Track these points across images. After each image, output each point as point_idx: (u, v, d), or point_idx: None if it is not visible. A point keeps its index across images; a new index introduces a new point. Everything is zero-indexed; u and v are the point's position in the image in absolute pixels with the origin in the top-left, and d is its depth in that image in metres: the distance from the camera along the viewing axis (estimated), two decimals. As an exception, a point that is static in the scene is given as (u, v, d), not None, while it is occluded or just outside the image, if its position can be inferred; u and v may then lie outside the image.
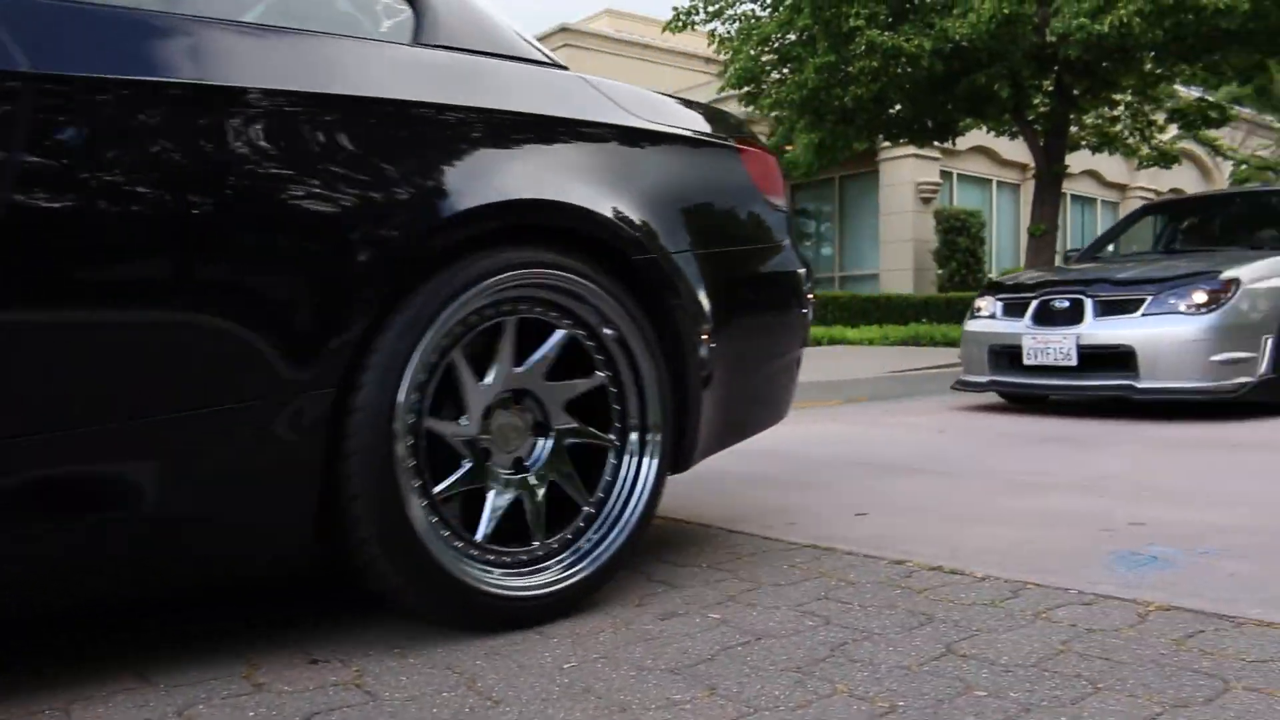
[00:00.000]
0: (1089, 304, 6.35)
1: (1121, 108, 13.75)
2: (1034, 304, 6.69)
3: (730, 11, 12.02)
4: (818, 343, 13.32)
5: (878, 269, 20.65)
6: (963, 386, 7.22)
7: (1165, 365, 5.99)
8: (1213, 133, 15.69)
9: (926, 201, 19.93)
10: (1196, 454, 4.73)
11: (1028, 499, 3.55)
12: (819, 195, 22.35)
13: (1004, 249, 21.90)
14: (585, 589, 2.25)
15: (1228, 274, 6.14)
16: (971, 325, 7.28)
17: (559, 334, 2.25)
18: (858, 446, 5.24)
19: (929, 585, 2.39)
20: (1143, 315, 6.12)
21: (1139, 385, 6.03)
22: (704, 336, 2.49)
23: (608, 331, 2.30)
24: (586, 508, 2.31)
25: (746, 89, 12.16)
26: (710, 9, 12.10)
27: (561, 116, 2.36)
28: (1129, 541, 2.78)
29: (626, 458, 2.39)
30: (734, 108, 17.60)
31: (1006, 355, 6.80)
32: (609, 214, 2.30)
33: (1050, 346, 6.42)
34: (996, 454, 4.83)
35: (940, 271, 19.54)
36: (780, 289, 2.92)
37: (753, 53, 11.50)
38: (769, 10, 11.65)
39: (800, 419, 6.65)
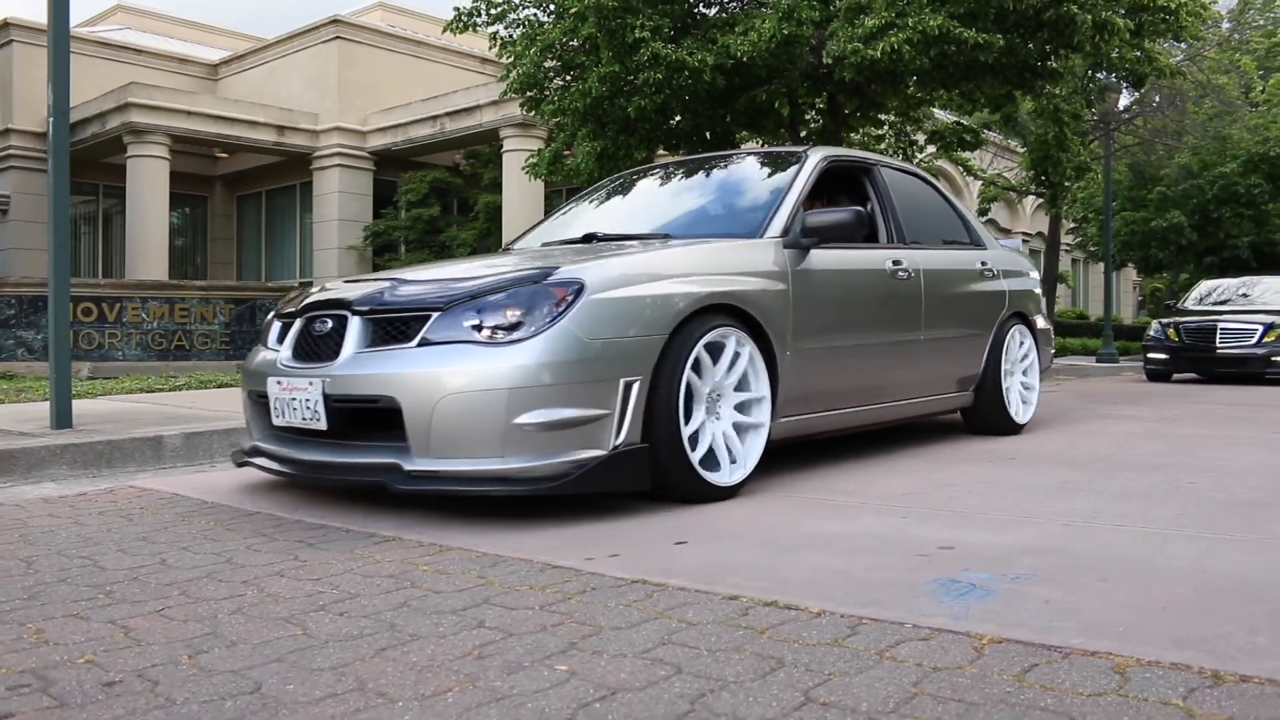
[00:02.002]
0: (354, 325, 3.89)
1: (886, 127, 14.50)
2: (296, 325, 4.22)
3: (513, 15, 11.92)
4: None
5: (653, 274, 20.96)
6: (236, 458, 4.59)
7: (445, 432, 3.54)
8: (965, 154, 16.76)
9: (700, 209, 20.38)
10: (973, 468, 4.99)
11: (836, 522, 3.65)
12: (595, 200, 22.51)
13: (772, 257, 22.65)
14: None
15: (564, 275, 3.76)
16: (250, 359, 4.66)
17: None
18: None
19: (769, 624, 2.39)
20: (419, 345, 3.67)
21: (408, 467, 3.63)
22: None
23: None
24: None
25: (529, 94, 12.08)
26: (493, 11, 11.97)
27: None
28: (945, 568, 2.88)
29: None
30: (515, 111, 17.48)
31: (266, 408, 4.24)
32: None
33: (296, 397, 3.94)
34: (794, 468, 4.95)
35: (713, 278, 19.97)
36: None
37: (536, 59, 11.44)
38: (553, 17, 11.61)
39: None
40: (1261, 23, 29.86)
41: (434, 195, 21.64)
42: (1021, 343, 6.59)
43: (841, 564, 2.99)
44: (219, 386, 9.25)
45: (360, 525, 3.69)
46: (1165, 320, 14.71)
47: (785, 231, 4.73)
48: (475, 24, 12.02)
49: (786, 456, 5.39)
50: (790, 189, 5.00)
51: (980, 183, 21.92)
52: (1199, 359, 13.84)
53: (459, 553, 3.22)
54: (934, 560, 2.99)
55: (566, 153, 13.16)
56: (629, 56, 10.43)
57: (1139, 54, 12.64)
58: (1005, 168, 22.66)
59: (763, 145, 14.20)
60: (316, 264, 22.59)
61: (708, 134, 12.58)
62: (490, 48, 12.63)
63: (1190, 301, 15.88)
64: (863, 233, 4.96)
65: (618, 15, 10.17)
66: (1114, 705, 1.85)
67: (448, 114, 20.75)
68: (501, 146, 19.93)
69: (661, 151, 14.38)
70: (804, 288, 4.69)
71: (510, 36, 12.00)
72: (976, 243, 6.51)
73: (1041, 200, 21.12)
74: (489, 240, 20.79)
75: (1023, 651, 2.15)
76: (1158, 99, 21.04)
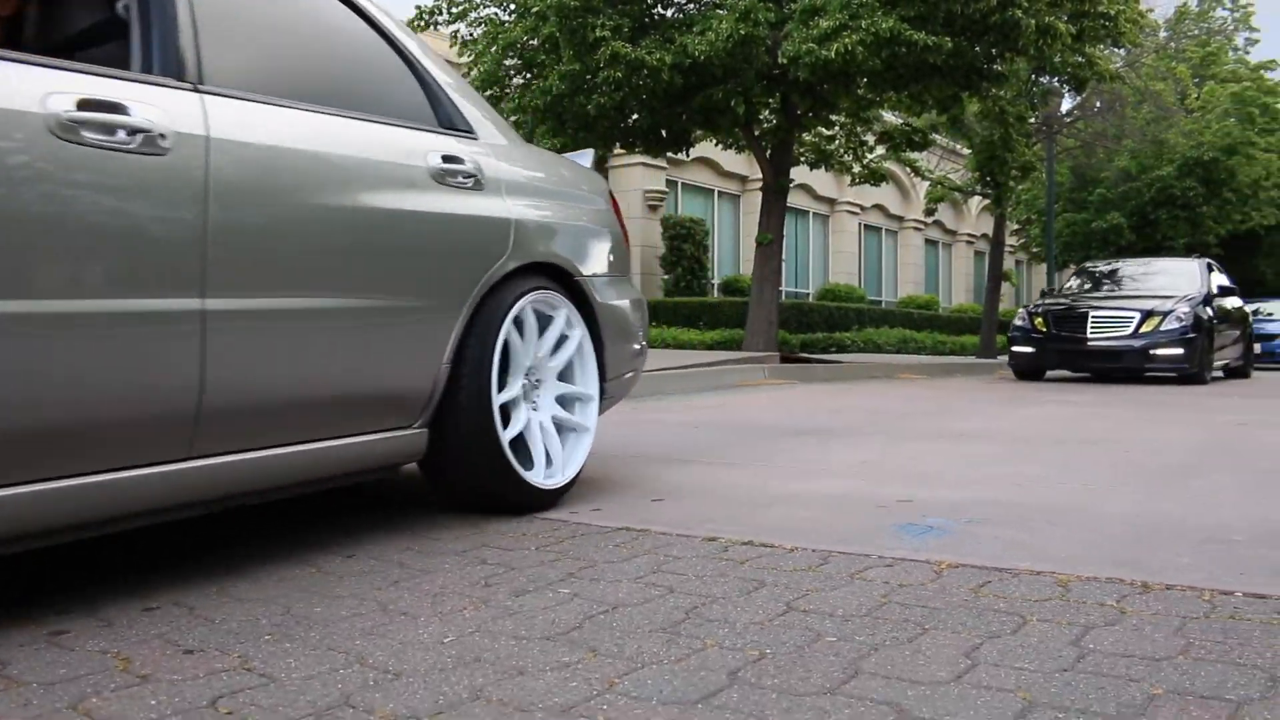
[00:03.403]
0: None
1: (838, 128, 14.86)
2: None
3: (475, 14, 12.12)
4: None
5: (607, 273, 21.17)
6: None
7: None
8: (913, 154, 17.19)
9: (654, 209, 20.65)
10: (926, 444, 5.30)
11: (802, 483, 3.90)
12: (549, 200, 22.67)
13: (725, 256, 23.01)
14: None
15: None
16: None
17: None
18: (623, 440, 5.49)
19: (748, 557, 2.63)
20: None
21: None
22: None
23: None
24: None
25: (490, 92, 12.27)
26: (454, 10, 12.15)
27: None
28: (904, 515, 3.15)
29: None
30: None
31: None
32: None
33: None
34: (756, 446, 5.21)
35: (666, 277, 20.31)
36: None
37: (497, 57, 11.64)
38: (514, 16, 11.82)
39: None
40: (1196, 32, 30.78)
41: (389, 194, 21.67)
42: (558, 329, 3.41)
43: (809, 514, 3.24)
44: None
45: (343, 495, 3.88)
46: (1033, 307, 12.83)
47: None
48: (437, 23, 12.20)
49: (749, 435, 5.64)
50: None
51: (928, 183, 22.42)
52: (1068, 352, 12.02)
53: (446, 510, 3.43)
54: (894, 510, 3.26)
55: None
56: (589, 55, 10.66)
57: (1080, 59, 13.07)
58: (951, 169, 23.22)
59: (716, 143, 14.50)
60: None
61: (664, 132, 12.84)
62: (450, 46, 12.80)
63: (1073, 285, 14.05)
64: None
65: (579, 15, 10.40)
66: (1058, 607, 2.11)
67: (403, 113, 20.82)
68: (457, 145, 20.02)
69: (619, 149, 14.62)
70: None
71: (471, 35, 12.20)
72: (447, 122, 3.28)
73: (987, 201, 21.64)
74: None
75: (978, 573, 2.41)
76: (1098, 104, 21.65)
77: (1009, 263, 29.97)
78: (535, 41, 11.45)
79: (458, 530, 3.08)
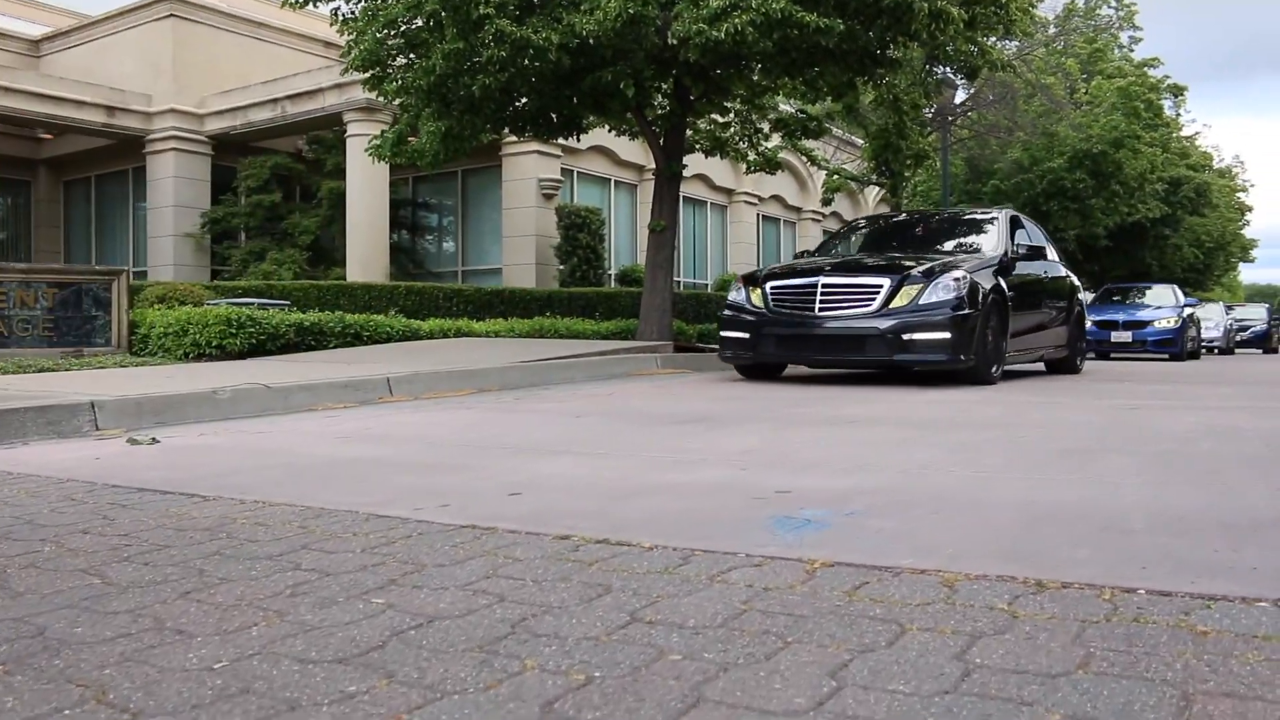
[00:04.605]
0: None
1: (732, 115, 14.60)
2: None
3: (355, -10, 11.57)
4: (444, 335, 13.16)
5: (500, 264, 20.73)
6: None
7: None
8: (810, 144, 17.05)
9: (549, 198, 20.23)
10: (815, 430, 5.05)
11: (677, 474, 3.61)
12: (441, 189, 22.12)
13: (622, 246, 22.70)
14: None
15: None
16: None
17: None
18: (497, 431, 5.17)
19: (599, 558, 2.32)
20: None
21: None
22: None
23: None
24: None
25: (372, 73, 11.75)
26: (333, -13, 11.60)
27: None
28: (781, 508, 2.86)
29: None
30: (359, 95, 17.04)
31: None
32: None
33: None
34: (637, 435, 4.91)
35: (562, 267, 19.93)
36: None
37: (379, 35, 11.13)
38: (396, -8, 11.31)
39: (434, 408, 6.50)
40: (1083, 29, 31.43)
41: (275, 181, 20.87)
42: None
43: (678, 506, 2.95)
44: (39, 371, 8.70)
45: (181, 487, 3.47)
46: (751, 278, 9.07)
47: None
48: (314, -1, 11.63)
49: (633, 423, 5.35)
50: None
51: (824, 173, 22.40)
52: (791, 338, 8.45)
53: (283, 507, 3.06)
54: (770, 502, 2.97)
55: (411, 138, 12.84)
56: (473, 33, 10.24)
57: (973, 48, 13.01)
58: (847, 159, 23.25)
59: (609, 129, 14.18)
60: (151, 252, 21.57)
61: (554, 116, 12.47)
62: (331, 24, 12.24)
63: (849, 243, 10.60)
64: None
65: (462, -10, 9.96)
66: (941, 611, 1.83)
67: (289, 97, 20.08)
68: (345, 131, 19.38)
69: (507, 134, 14.21)
70: None
71: (352, 13, 11.66)
72: None
73: (883, 192, 21.69)
74: (332, 227, 20.22)
75: (854, 572, 2.13)
76: (991, 95, 21.86)
77: (905, 254, 30.16)
78: (419, 20, 10.96)
79: (281, 530, 2.72)
